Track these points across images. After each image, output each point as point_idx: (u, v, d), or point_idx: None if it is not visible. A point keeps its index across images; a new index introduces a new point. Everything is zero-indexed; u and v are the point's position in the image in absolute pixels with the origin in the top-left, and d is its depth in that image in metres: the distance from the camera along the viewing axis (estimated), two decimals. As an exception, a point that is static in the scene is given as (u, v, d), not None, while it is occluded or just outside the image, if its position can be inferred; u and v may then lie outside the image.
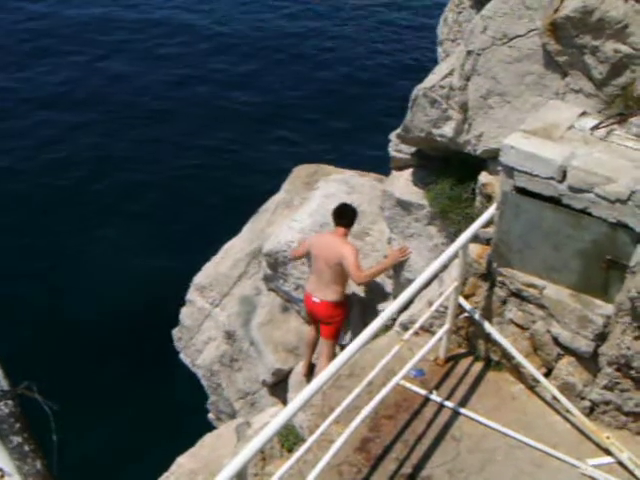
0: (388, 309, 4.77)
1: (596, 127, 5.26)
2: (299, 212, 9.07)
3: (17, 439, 2.99)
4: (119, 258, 15.00)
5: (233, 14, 25.42)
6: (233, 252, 10.08)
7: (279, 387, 9.14)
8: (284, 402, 9.05)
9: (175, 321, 10.56)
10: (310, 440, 4.78)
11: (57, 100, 20.60)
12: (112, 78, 21.76)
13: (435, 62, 7.62)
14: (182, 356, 10.62)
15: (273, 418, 7.26)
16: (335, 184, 9.08)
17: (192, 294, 10.30)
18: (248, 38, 23.99)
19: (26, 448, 2.96)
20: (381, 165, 9.45)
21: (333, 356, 8.05)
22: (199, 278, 10.23)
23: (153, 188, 17.21)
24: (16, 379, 3.50)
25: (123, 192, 17.08)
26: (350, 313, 8.48)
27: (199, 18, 25.13)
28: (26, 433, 3.02)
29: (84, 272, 14.66)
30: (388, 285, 8.04)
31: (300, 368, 8.76)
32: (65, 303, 13.93)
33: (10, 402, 3.08)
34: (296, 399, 4.12)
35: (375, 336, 5.00)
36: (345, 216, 8.08)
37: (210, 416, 10.66)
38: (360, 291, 8.49)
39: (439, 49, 7.75)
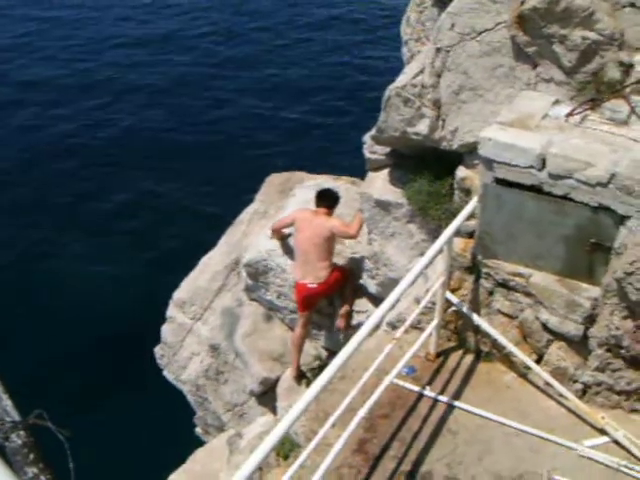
0: (380, 308, 4.77)
1: (570, 114, 5.35)
2: (277, 220, 9.06)
3: (33, 470, 2.93)
4: (97, 279, 14.92)
5: (228, 27, 25.40)
6: (211, 265, 10.04)
7: (267, 396, 9.10)
8: (273, 411, 9.01)
9: (157, 339, 10.48)
10: (310, 446, 4.76)
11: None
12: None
13: (401, 63, 7.67)
14: (166, 373, 10.53)
15: (265, 427, 7.23)
16: (310, 190, 9.08)
17: (172, 310, 10.23)
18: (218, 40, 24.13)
19: (43, 479, 2.91)
20: (353, 168, 9.51)
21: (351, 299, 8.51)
22: (178, 294, 10.17)
23: (129, 211, 17.15)
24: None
25: (100, 212, 17.03)
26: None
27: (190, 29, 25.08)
28: (42, 463, 2.96)
29: (61, 294, 14.56)
30: (371, 286, 8.06)
31: (288, 374, 8.74)
32: (44, 325, 13.82)
33: (22, 433, 3.02)
34: (294, 408, 4.03)
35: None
36: (326, 198, 8.40)
37: (198, 430, 10.60)
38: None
39: (403, 49, 7.79)
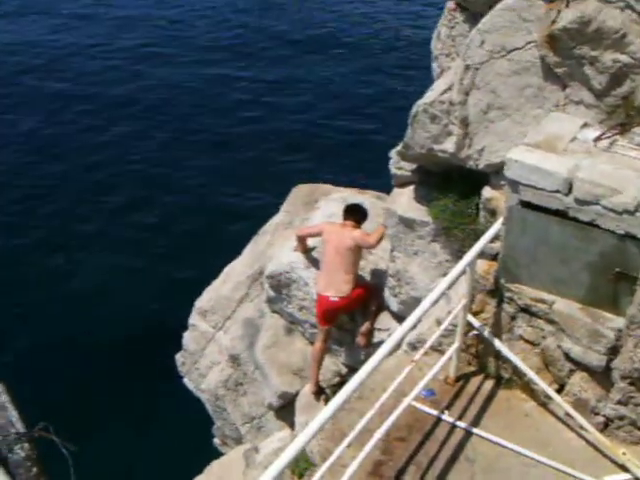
0: (400, 329, 4.71)
1: (599, 138, 5.22)
2: (301, 232, 8.99)
3: None
4: (121, 284, 14.91)
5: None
6: (234, 275, 10.00)
7: (285, 410, 9.03)
8: (291, 425, 8.93)
9: (179, 346, 10.47)
10: (325, 466, 4.69)
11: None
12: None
13: (430, 78, 7.59)
14: (186, 381, 10.51)
15: (282, 443, 7.12)
16: (335, 203, 9.01)
17: (194, 318, 10.21)
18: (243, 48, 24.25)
19: None
20: (380, 182, 9.42)
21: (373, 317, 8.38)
22: (201, 302, 10.15)
23: (155, 214, 17.19)
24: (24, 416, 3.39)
25: (127, 215, 17.07)
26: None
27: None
28: (43, 478, 2.90)
29: (85, 299, 14.55)
30: (394, 304, 7.95)
31: (307, 390, 8.65)
32: (67, 331, 13.82)
33: (26, 445, 2.95)
34: (309, 426, 4.03)
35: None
36: (355, 213, 8.38)
37: (216, 441, 10.55)
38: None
39: (433, 65, 7.70)
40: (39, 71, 22.86)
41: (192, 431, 11.18)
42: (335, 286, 8.12)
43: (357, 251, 8.17)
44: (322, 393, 8.58)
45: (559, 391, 5.49)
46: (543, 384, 5.47)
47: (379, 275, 8.46)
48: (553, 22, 5.38)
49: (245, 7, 27.30)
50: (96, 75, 22.68)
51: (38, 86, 22.10)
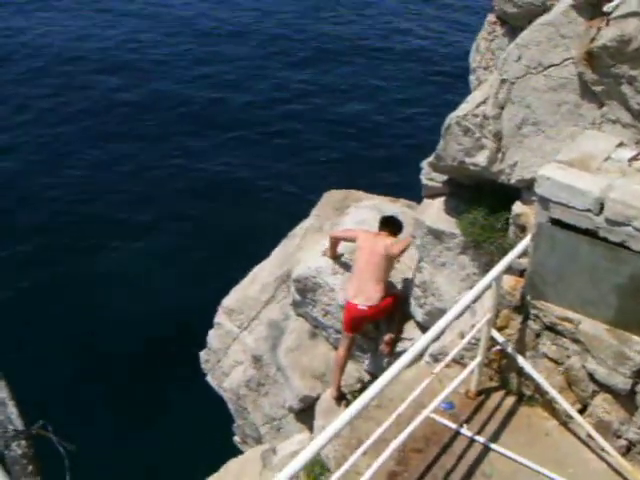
0: (421, 340, 4.69)
1: (634, 158, 5.16)
2: (330, 238, 9.01)
3: None
4: (148, 281, 15.03)
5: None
6: (262, 276, 10.05)
7: (306, 413, 9.04)
8: (310, 429, 8.94)
9: (203, 343, 10.54)
10: (339, 473, 4.69)
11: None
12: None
13: (468, 90, 7.56)
14: (209, 378, 10.57)
15: (299, 446, 7.14)
16: (366, 210, 9.02)
17: (220, 317, 10.27)
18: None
19: None
20: (412, 191, 9.40)
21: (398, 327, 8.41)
22: (228, 301, 10.21)
23: (183, 212, 17.30)
24: (30, 411, 3.40)
25: (154, 215, 17.19)
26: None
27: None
28: (39, 477, 2.91)
29: (110, 295, 14.70)
30: (419, 314, 7.93)
31: (328, 395, 8.64)
32: (91, 326, 13.98)
33: (23, 442, 2.96)
34: (325, 432, 4.04)
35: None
36: (390, 224, 8.41)
37: (236, 439, 10.60)
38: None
39: (471, 77, 7.66)
40: (93, 66, 23.34)
41: (214, 428, 11.22)
42: (365, 294, 8.11)
43: (389, 260, 8.17)
44: (343, 398, 8.57)
45: (581, 411, 5.43)
46: (565, 404, 5.41)
47: (405, 284, 8.45)
48: (592, 40, 5.33)
49: (297, 12, 27.48)
50: (146, 72, 23.06)
51: (91, 80, 22.51)
